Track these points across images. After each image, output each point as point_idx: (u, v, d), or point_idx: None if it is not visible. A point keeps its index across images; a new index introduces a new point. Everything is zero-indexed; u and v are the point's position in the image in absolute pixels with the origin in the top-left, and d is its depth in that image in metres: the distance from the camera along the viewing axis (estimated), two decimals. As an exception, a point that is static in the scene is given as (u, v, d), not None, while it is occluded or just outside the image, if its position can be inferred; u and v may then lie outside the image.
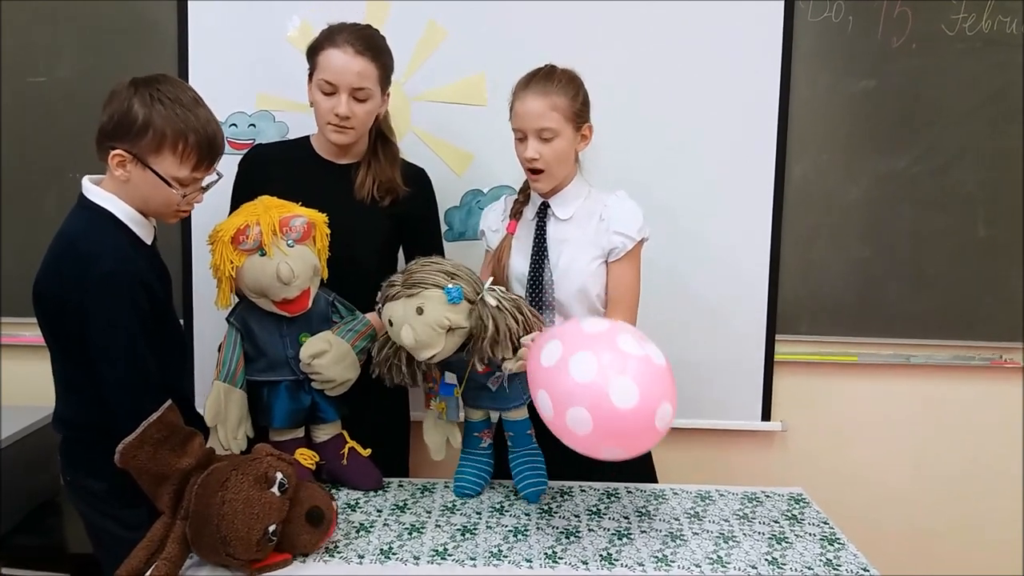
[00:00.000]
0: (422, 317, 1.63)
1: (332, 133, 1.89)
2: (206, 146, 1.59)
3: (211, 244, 1.73)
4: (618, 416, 1.42)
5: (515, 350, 1.68)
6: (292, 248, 1.70)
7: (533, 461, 1.79)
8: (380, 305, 1.71)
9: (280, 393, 1.76)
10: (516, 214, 1.96)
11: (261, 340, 1.75)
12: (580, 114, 1.84)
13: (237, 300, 1.79)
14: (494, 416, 1.85)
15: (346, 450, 1.80)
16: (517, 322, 1.66)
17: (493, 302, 1.65)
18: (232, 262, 1.69)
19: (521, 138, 1.85)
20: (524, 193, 1.97)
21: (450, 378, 1.78)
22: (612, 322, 1.58)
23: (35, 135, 2.44)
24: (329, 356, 1.74)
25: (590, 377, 1.44)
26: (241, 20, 2.37)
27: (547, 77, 1.84)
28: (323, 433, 1.81)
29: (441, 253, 2.06)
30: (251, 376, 1.76)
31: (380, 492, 1.81)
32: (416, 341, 1.63)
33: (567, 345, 1.50)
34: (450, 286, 1.64)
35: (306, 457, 1.74)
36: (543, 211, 1.93)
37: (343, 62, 1.84)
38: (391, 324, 1.67)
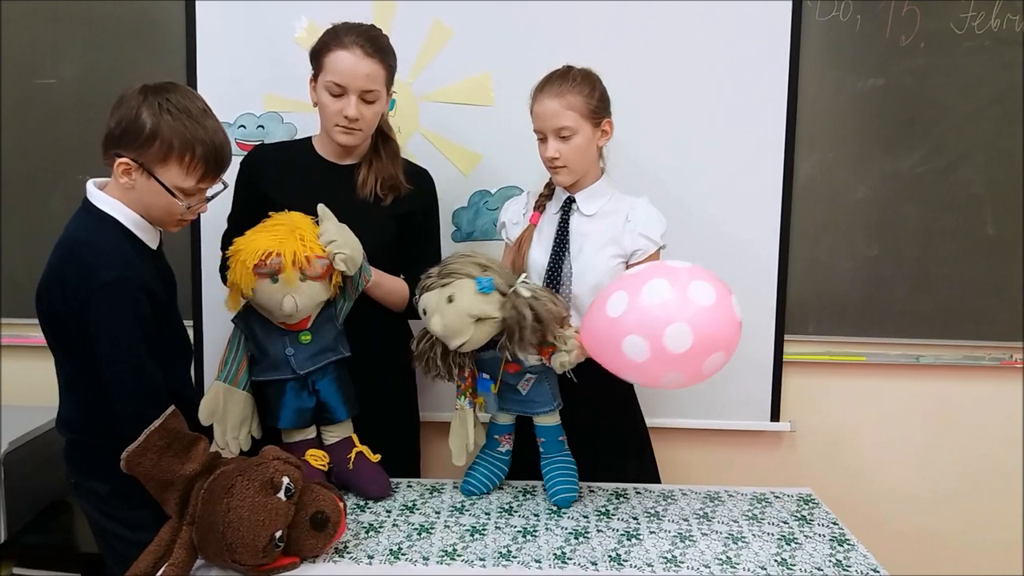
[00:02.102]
0: (452, 305, 1.66)
1: (340, 135, 1.88)
2: (213, 158, 1.58)
3: (231, 259, 1.72)
4: (709, 315, 1.53)
5: (539, 345, 1.70)
6: (304, 283, 1.70)
7: (565, 468, 1.80)
8: (417, 297, 1.74)
9: (286, 393, 1.76)
10: (539, 207, 1.98)
11: (263, 340, 1.76)
12: (597, 111, 1.87)
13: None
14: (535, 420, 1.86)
15: (353, 454, 1.79)
16: (557, 304, 1.71)
17: (527, 293, 1.68)
18: (248, 284, 1.69)
19: (542, 139, 1.88)
20: (549, 187, 1.99)
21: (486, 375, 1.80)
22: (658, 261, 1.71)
23: (41, 136, 2.44)
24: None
25: (666, 296, 1.54)
26: (248, 21, 2.37)
27: (562, 77, 1.87)
28: (332, 435, 1.81)
29: (437, 255, 2.07)
30: (256, 377, 1.76)
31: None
32: (444, 328, 1.67)
33: (629, 288, 1.58)
34: (481, 276, 1.67)
35: (317, 458, 1.74)
36: (568, 205, 1.95)
37: (352, 64, 1.82)
38: (424, 313, 1.70)
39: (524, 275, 1.74)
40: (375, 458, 1.81)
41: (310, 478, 1.61)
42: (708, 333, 1.53)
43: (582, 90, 1.84)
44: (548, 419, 1.81)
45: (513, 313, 1.66)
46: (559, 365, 1.68)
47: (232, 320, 1.80)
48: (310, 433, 1.80)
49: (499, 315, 1.67)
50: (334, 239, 1.72)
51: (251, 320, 1.77)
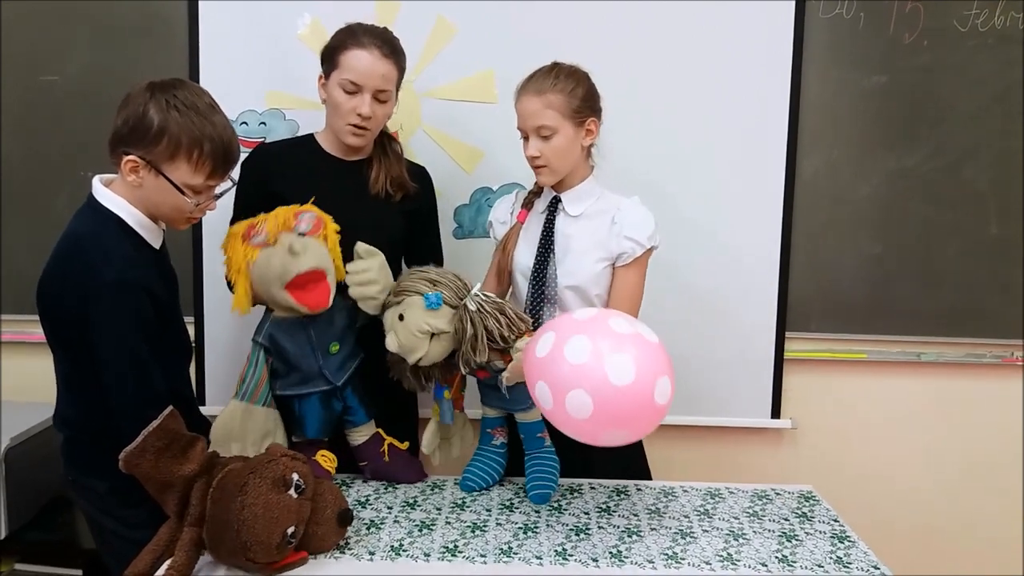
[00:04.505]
0: (403, 323, 1.69)
1: (350, 136, 1.90)
2: (221, 154, 1.58)
3: (224, 247, 1.73)
4: (617, 393, 1.41)
5: (501, 352, 1.70)
6: (302, 238, 1.69)
7: (544, 464, 1.79)
8: (392, 307, 1.75)
9: (312, 404, 1.76)
10: (528, 204, 1.97)
11: (292, 356, 1.74)
12: (580, 110, 1.83)
13: (263, 315, 1.78)
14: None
15: (386, 447, 1.82)
16: (500, 323, 1.69)
17: (473, 307, 1.69)
18: (246, 257, 1.67)
19: (524, 137, 1.86)
20: (537, 185, 1.96)
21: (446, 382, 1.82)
22: (602, 309, 1.60)
23: (46, 133, 2.44)
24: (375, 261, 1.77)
25: (585, 358, 1.43)
26: (251, 18, 2.37)
27: (544, 75, 1.83)
28: (359, 436, 1.83)
29: (439, 251, 2.11)
30: (284, 391, 1.75)
31: (390, 489, 1.81)
32: (399, 346, 1.70)
33: (560, 333, 1.50)
34: (429, 292, 1.69)
35: (327, 459, 1.74)
36: (554, 205, 1.93)
37: (370, 63, 1.85)
38: (386, 331, 1.73)
39: (477, 287, 1.73)
40: (404, 446, 1.85)
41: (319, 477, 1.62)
42: (611, 410, 1.43)
43: (564, 88, 1.81)
44: (528, 416, 1.80)
45: (460, 326, 1.69)
46: (504, 378, 1.69)
47: (253, 339, 1.76)
48: (324, 434, 1.81)
49: (450, 329, 1.70)
50: (375, 280, 1.74)
51: (277, 336, 1.74)
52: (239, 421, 1.72)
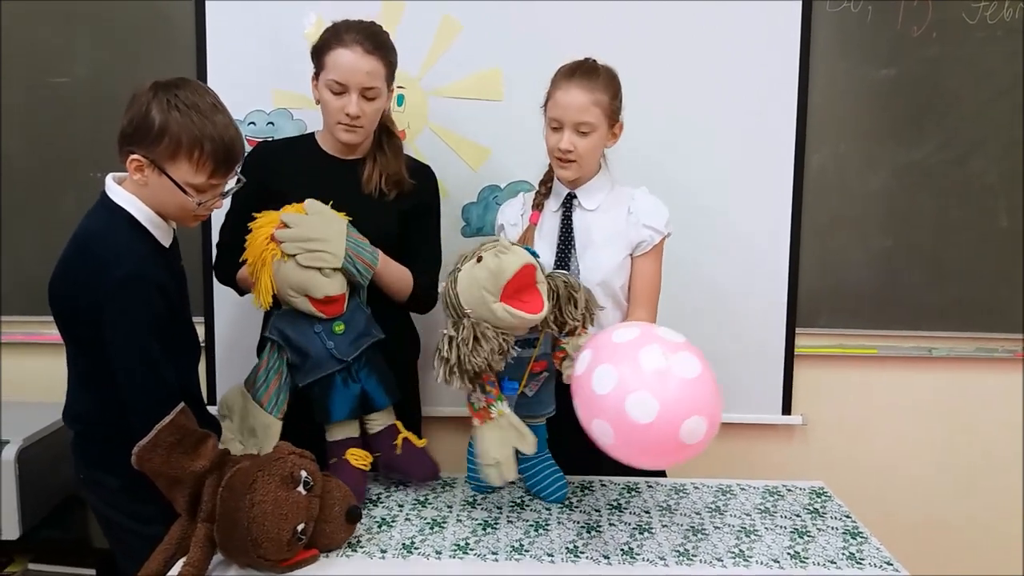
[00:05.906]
0: (510, 249, 1.61)
1: (342, 132, 1.89)
2: (222, 154, 1.58)
3: (249, 241, 1.73)
4: (637, 430, 1.37)
5: (555, 340, 1.71)
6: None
7: (548, 465, 1.78)
8: (452, 276, 1.65)
9: (335, 385, 1.74)
10: (538, 206, 1.96)
11: (300, 343, 1.74)
12: (615, 113, 1.86)
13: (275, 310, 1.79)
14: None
15: (400, 440, 1.78)
16: (579, 302, 1.70)
17: (562, 278, 1.70)
18: (272, 252, 1.69)
19: (556, 127, 1.85)
20: (545, 185, 1.97)
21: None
22: (644, 330, 1.51)
23: (55, 134, 2.45)
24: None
25: (608, 390, 1.40)
26: (258, 18, 2.38)
27: (592, 72, 1.84)
28: (376, 424, 1.79)
29: (437, 249, 2.07)
30: (304, 381, 1.74)
31: (401, 487, 1.81)
32: (498, 267, 1.56)
33: (595, 356, 1.47)
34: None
35: (358, 458, 1.73)
36: (568, 202, 1.93)
37: (352, 62, 1.83)
38: (479, 260, 1.59)
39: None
40: (421, 442, 1.81)
41: (348, 478, 1.63)
42: (632, 444, 1.41)
43: (608, 89, 1.83)
44: (539, 421, 1.77)
45: (560, 283, 1.67)
46: (566, 377, 1.65)
47: (265, 334, 1.78)
48: (353, 431, 1.78)
49: (546, 282, 1.65)
50: (319, 238, 1.72)
51: (284, 328, 1.75)
52: (238, 400, 1.75)
